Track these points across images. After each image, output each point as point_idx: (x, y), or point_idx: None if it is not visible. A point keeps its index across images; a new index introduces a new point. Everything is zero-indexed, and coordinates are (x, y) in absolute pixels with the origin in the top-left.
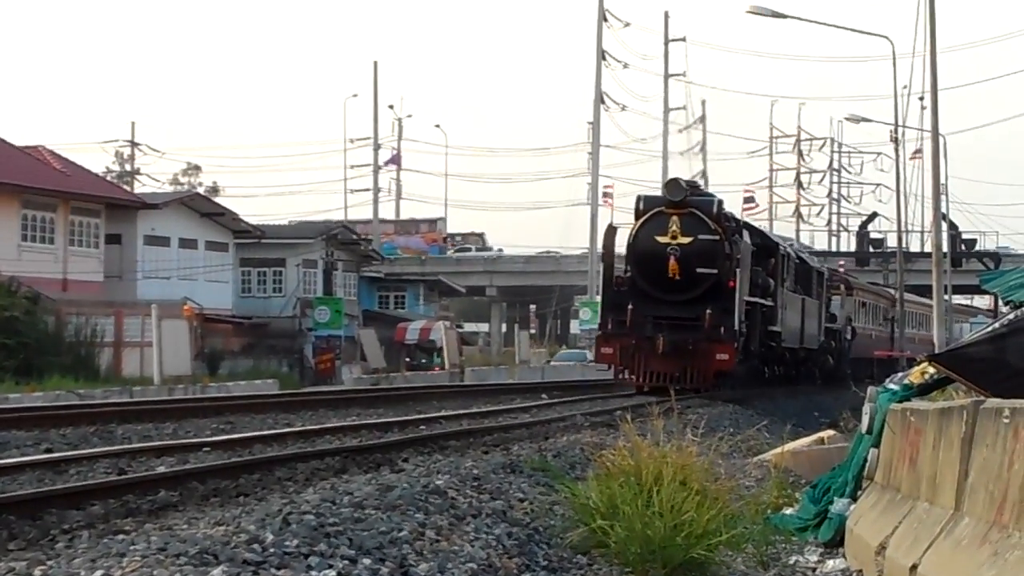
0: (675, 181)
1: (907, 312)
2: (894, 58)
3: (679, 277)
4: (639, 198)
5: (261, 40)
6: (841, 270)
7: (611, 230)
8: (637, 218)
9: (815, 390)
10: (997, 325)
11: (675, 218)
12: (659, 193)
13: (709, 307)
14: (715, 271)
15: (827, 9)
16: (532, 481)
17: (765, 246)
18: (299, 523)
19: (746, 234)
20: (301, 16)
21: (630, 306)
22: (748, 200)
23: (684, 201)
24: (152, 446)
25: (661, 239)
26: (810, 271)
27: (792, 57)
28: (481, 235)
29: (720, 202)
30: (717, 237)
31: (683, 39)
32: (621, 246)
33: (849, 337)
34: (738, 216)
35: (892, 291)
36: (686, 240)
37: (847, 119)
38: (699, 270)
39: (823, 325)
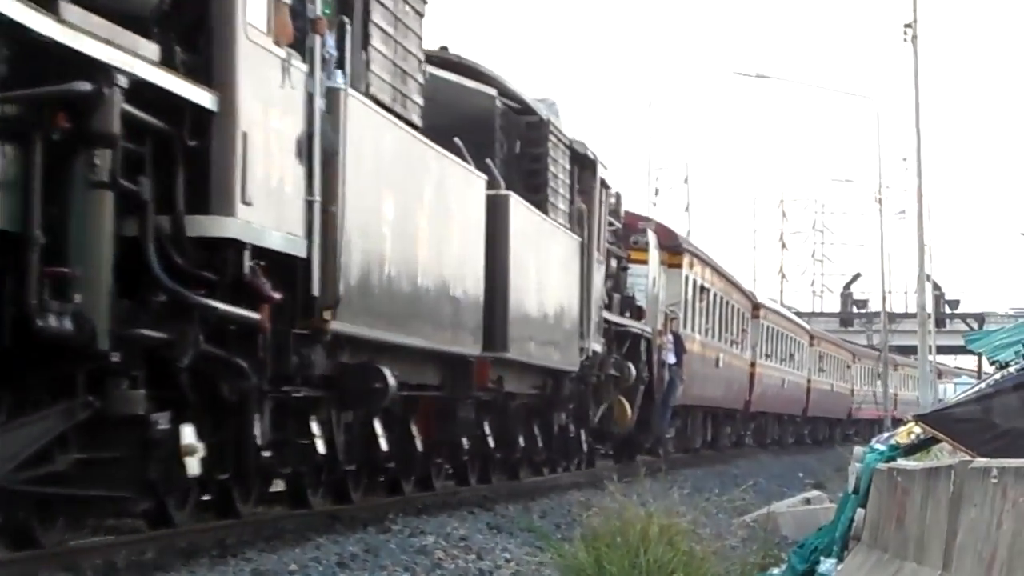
0: None
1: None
2: (878, 119)
3: None
4: None
5: None
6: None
7: None
8: None
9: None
10: (983, 385)
11: None
12: None
13: None
14: None
15: (810, 71)
16: (518, 541)
17: None
18: None
19: None
20: None
21: None
22: None
23: None
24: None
25: None
26: (560, 148)
27: (775, 118)
28: None
29: None
30: None
31: (664, 100)
32: None
33: (672, 360)
34: None
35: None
36: None
37: (831, 180)
38: None
39: (595, 316)
